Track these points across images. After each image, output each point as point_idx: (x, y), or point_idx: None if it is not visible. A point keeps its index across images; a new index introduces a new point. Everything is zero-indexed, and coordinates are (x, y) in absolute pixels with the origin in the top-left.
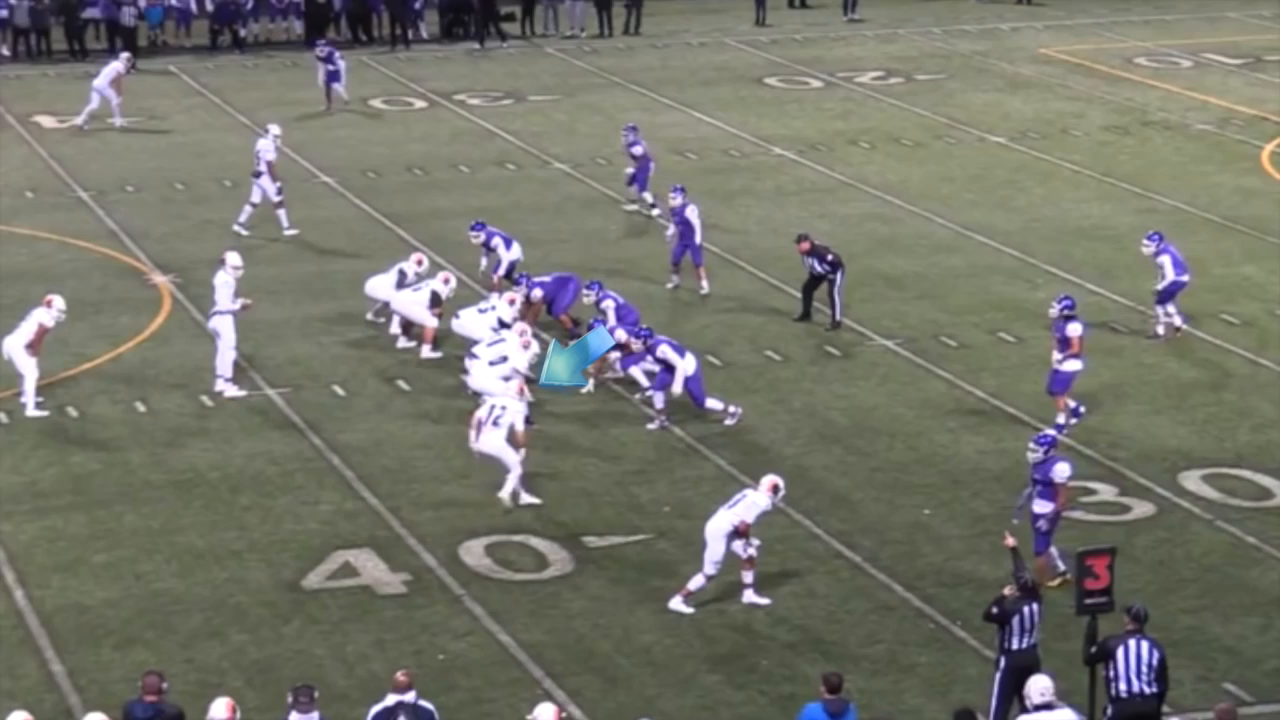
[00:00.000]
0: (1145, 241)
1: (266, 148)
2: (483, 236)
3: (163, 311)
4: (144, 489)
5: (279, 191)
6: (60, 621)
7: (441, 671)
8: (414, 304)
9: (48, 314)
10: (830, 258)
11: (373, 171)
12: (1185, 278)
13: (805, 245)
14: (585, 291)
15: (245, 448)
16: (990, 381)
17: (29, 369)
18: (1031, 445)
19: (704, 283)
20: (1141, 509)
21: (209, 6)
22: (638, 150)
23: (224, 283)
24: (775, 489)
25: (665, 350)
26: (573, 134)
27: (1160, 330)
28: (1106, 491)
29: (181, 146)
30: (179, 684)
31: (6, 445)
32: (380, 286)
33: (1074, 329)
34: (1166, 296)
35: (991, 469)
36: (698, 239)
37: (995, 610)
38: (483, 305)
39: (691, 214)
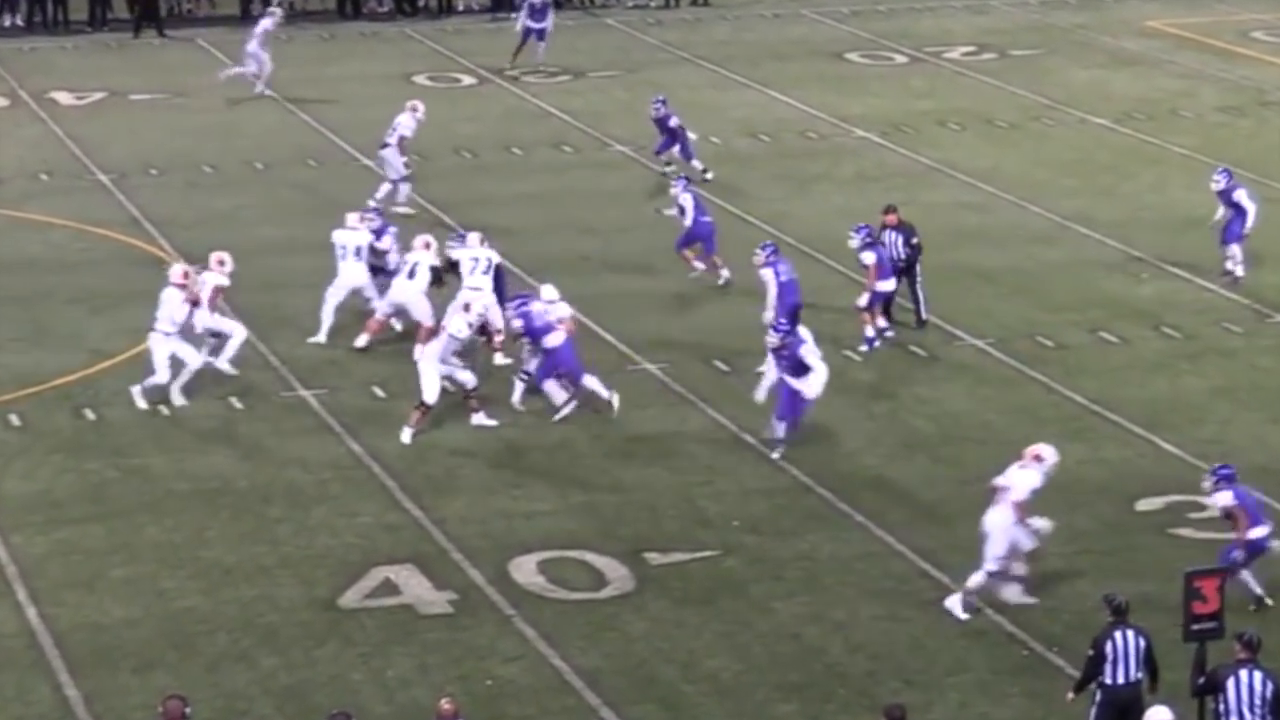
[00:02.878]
0: (1215, 177)
1: (406, 123)
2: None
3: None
4: (167, 499)
5: (405, 166)
6: (75, 642)
7: (489, 699)
8: (416, 295)
9: (220, 276)
10: (915, 240)
11: (417, 154)
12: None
13: (893, 217)
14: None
15: (277, 454)
16: (1090, 385)
17: (233, 328)
18: (1207, 480)
19: (723, 271)
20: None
21: None
22: (674, 122)
23: (170, 297)
24: (1039, 458)
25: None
26: (635, 114)
27: (1238, 271)
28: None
29: (209, 126)
30: (203, 711)
31: (19, 451)
32: (401, 291)
33: (867, 257)
34: (1233, 237)
35: (1092, 480)
36: (686, 222)
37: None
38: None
39: (686, 201)
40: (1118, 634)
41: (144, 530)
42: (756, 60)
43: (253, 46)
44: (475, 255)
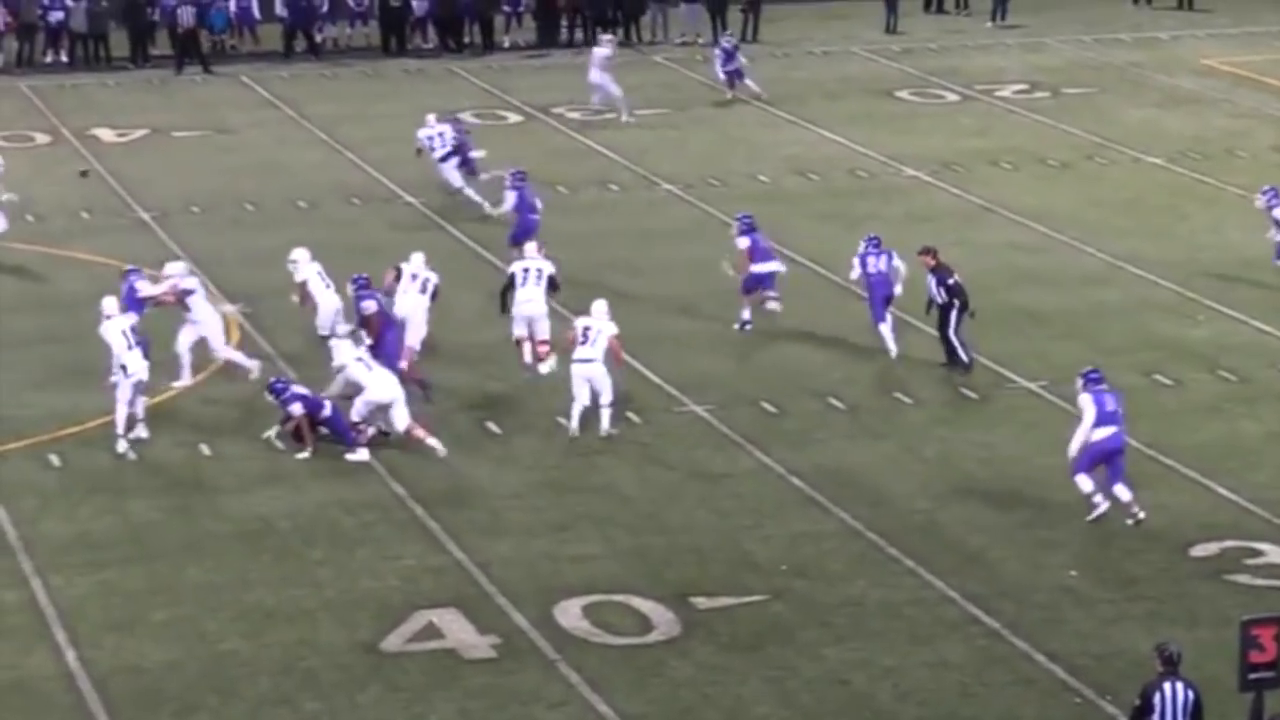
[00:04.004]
0: (1259, 196)
1: (440, 134)
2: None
3: (231, 341)
4: (207, 540)
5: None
6: (115, 685)
7: None
8: (420, 310)
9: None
10: (951, 282)
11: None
12: None
13: (930, 260)
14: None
15: (319, 495)
16: (1145, 429)
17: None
18: None
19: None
20: None
21: (279, 9)
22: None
23: (114, 329)
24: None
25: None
26: (683, 152)
27: None
28: (1275, 554)
29: (252, 163)
30: None
31: (58, 491)
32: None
33: (741, 243)
34: None
35: (1146, 527)
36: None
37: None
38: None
39: (510, 196)
40: (1166, 685)
41: (185, 572)
42: (805, 98)
43: (594, 77)
44: (527, 266)
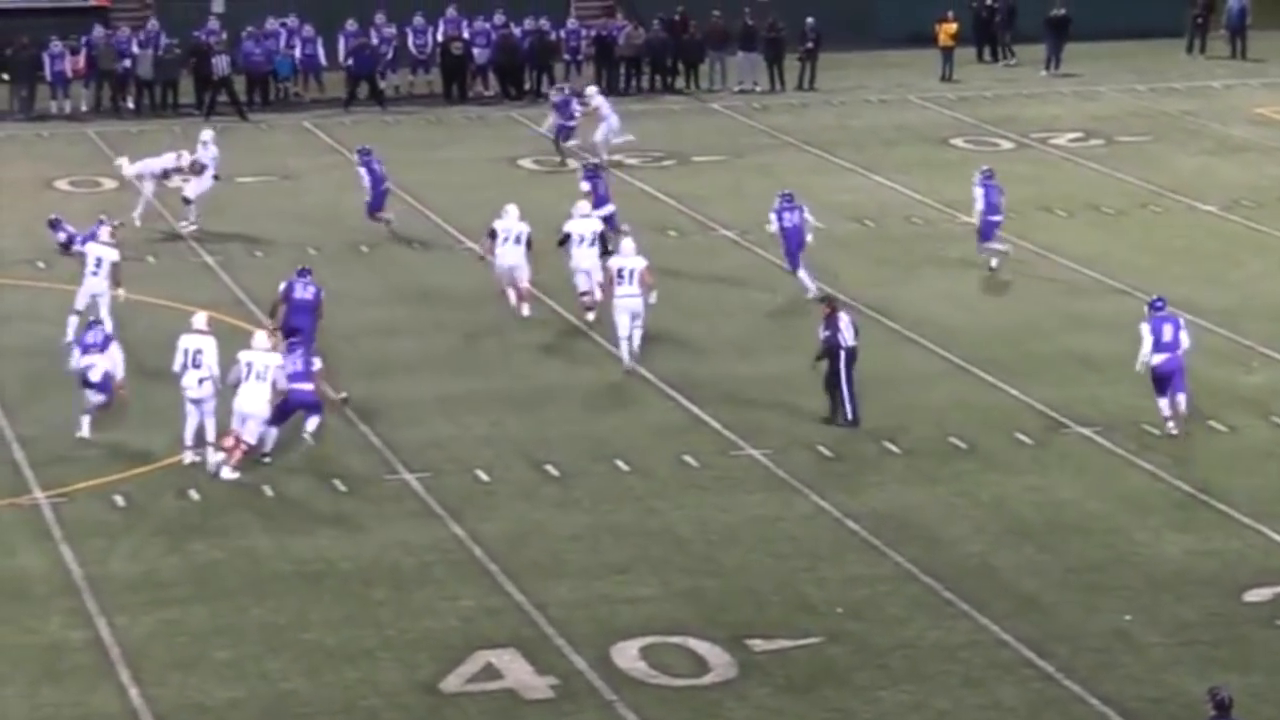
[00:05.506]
0: None
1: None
2: None
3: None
4: (270, 580)
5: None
6: None
7: None
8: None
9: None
10: (833, 329)
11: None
12: None
13: (827, 309)
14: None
15: (380, 537)
16: (1198, 474)
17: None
18: None
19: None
20: None
21: (342, 57)
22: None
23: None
24: None
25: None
26: (740, 198)
27: None
28: None
29: (315, 208)
30: None
31: (123, 531)
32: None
33: (584, 185)
34: None
35: (1199, 571)
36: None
37: None
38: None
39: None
40: None
41: (247, 611)
42: (862, 145)
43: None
44: (583, 230)
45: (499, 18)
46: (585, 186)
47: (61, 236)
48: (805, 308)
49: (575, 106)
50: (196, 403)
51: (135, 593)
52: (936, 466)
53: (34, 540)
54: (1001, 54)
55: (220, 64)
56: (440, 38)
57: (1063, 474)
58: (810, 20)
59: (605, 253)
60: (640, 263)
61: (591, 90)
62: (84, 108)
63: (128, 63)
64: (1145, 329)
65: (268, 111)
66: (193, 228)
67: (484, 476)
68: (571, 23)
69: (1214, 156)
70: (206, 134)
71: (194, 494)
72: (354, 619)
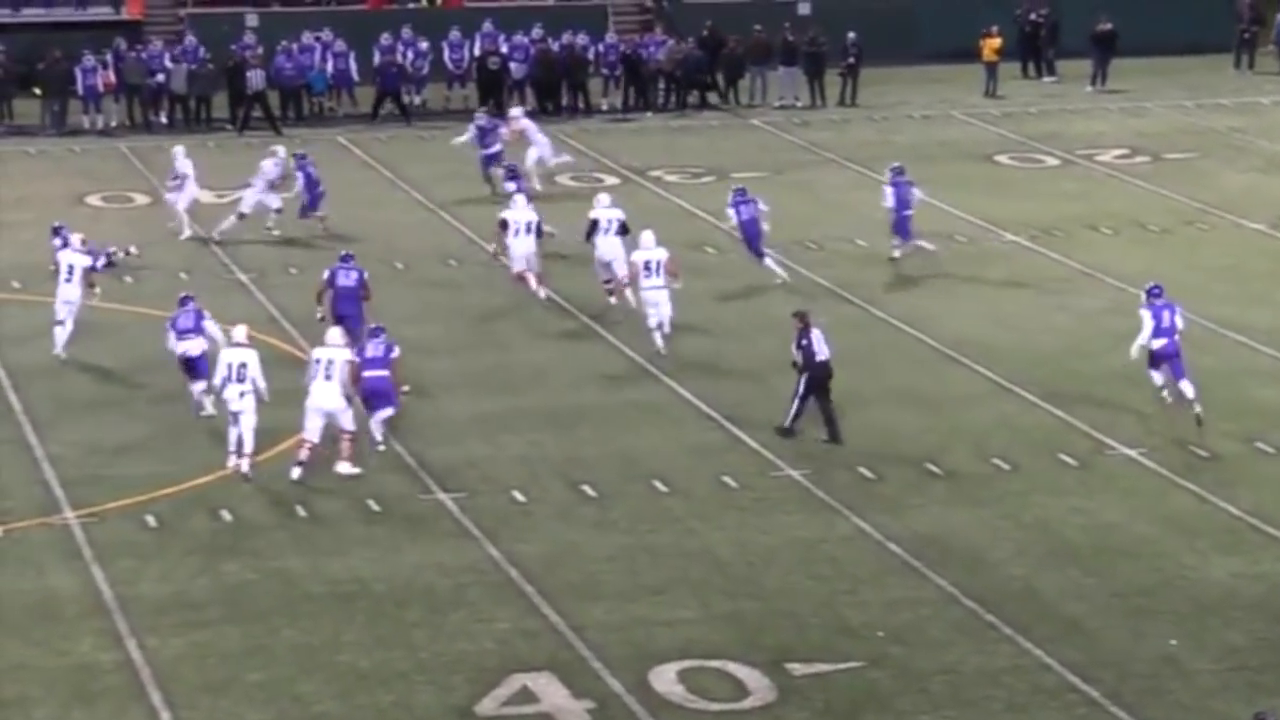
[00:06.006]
0: None
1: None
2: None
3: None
4: (303, 601)
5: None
6: None
7: None
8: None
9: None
10: (808, 342)
11: (559, 254)
12: None
13: (798, 323)
14: None
15: (414, 558)
16: (1246, 497)
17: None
18: None
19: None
20: None
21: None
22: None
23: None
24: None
25: None
26: (779, 215)
27: None
28: None
29: (349, 224)
30: None
31: (154, 552)
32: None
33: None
34: None
35: (1247, 595)
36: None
37: None
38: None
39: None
40: None
41: (280, 633)
42: (904, 162)
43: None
44: (610, 217)
45: (536, 31)
46: (510, 187)
47: (57, 243)
48: (857, 321)
49: (501, 132)
50: (237, 415)
51: (166, 614)
52: (979, 488)
53: (64, 561)
54: (1044, 70)
55: (255, 78)
56: (477, 52)
57: (1108, 496)
58: (852, 35)
59: (539, 237)
60: (663, 254)
61: (516, 112)
62: (113, 123)
63: (160, 77)
64: (1146, 314)
65: (301, 126)
66: (188, 233)
67: (520, 496)
68: (610, 37)
69: (1262, 174)
70: (179, 149)
71: (226, 514)
72: (388, 641)
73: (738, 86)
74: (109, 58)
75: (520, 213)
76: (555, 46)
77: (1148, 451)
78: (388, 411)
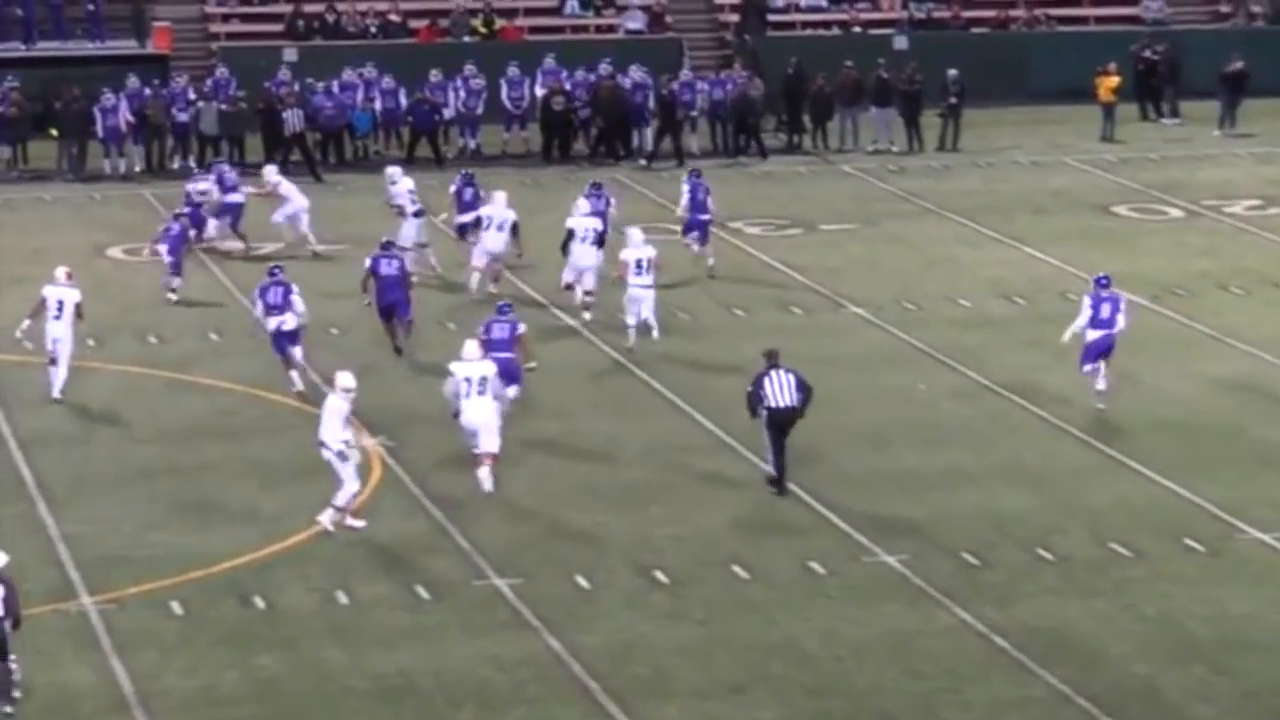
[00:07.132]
0: None
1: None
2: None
3: (371, 480)
4: (343, 697)
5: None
6: None
7: None
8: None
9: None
10: (754, 387)
11: (620, 310)
12: None
13: (766, 363)
14: None
15: (467, 650)
16: None
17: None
18: None
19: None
20: None
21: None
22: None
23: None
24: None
25: None
26: (873, 271)
27: None
28: None
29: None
30: None
31: (180, 642)
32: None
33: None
34: None
35: None
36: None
37: None
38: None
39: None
40: None
41: None
42: (1011, 213)
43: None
44: (586, 226)
45: (604, 68)
46: (452, 188)
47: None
48: (954, 388)
49: (246, 187)
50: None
51: (193, 711)
52: (1095, 576)
53: (80, 651)
54: (1161, 111)
55: (293, 119)
56: (539, 89)
57: (1238, 585)
58: (953, 72)
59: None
60: (652, 252)
61: (269, 170)
62: (137, 168)
63: (184, 117)
64: (1085, 301)
65: (343, 171)
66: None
67: (583, 582)
68: (685, 74)
69: None
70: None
71: (259, 600)
72: None
73: (826, 129)
74: (122, 97)
75: (497, 210)
76: (628, 84)
77: None
78: (515, 388)
